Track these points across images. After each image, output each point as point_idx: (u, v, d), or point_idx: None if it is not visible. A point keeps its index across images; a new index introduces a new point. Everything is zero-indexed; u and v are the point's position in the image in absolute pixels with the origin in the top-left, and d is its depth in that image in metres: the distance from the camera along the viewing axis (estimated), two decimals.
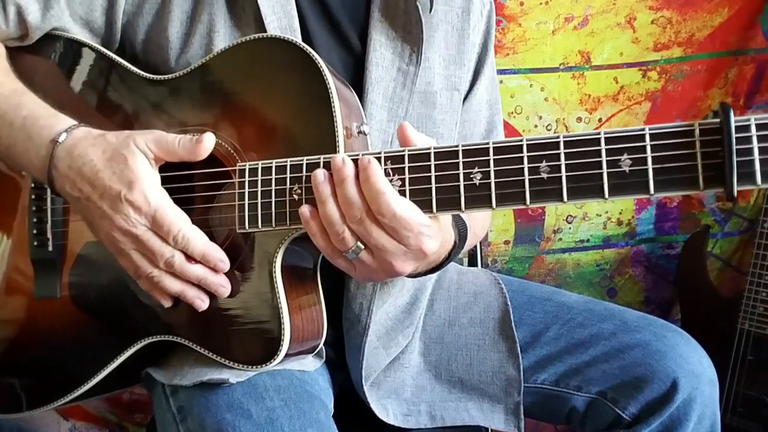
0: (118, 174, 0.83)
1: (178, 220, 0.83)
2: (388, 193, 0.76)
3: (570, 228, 1.91)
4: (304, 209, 0.80)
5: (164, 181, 0.91)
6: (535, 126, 1.82)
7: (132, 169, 0.83)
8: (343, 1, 1.01)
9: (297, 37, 0.95)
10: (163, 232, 0.83)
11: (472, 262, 1.39)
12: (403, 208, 0.76)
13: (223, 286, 0.87)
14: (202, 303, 0.88)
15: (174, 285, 0.86)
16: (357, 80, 0.99)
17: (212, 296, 0.88)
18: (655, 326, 1.07)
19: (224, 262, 0.86)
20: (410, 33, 0.99)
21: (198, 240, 0.84)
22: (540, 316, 1.12)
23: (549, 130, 1.83)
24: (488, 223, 1.30)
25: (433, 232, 0.79)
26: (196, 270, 0.86)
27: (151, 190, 0.83)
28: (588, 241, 1.93)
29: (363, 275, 0.83)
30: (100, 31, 1.00)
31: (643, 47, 1.82)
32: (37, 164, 0.88)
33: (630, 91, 1.85)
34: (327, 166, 0.80)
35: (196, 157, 0.86)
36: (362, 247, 0.79)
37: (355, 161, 0.78)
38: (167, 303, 0.88)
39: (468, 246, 1.05)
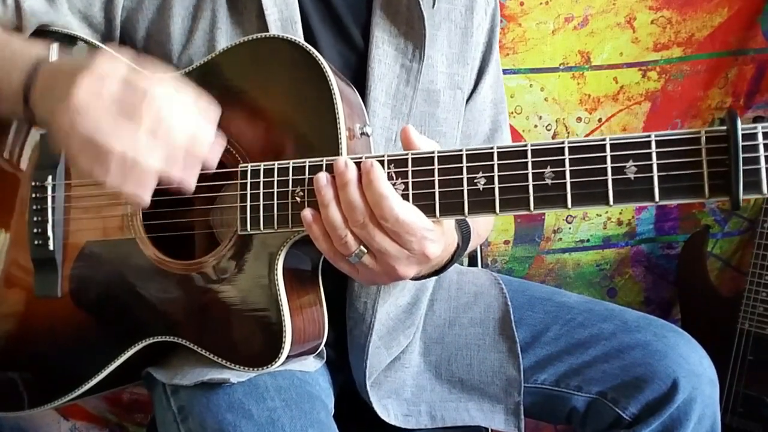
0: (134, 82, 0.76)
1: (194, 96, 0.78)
2: (391, 197, 0.75)
3: (570, 228, 1.91)
4: (307, 213, 0.80)
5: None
6: (535, 126, 1.83)
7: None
8: None
9: (298, 31, 0.95)
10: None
11: (472, 262, 1.39)
12: (406, 212, 0.76)
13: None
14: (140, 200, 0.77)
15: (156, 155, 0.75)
16: (359, 77, 0.98)
17: (213, 292, 0.87)
18: (656, 326, 1.07)
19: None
20: (413, 29, 0.99)
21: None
22: (540, 316, 1.12)
23: (549, 130, 1.83)
24: (491, 224, 1.30)
25: (436, 236, 0.78)
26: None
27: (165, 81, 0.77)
28: (588, 241, 1.93)
29: (366, 279, 0.83)
30: (100, 26, 0.99)
31: (643, 47, 1.82)
32: (15, 79, 0.82)
33: (630, 91, 1.85)
34: (330, 168, 0.80)
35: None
36: (365, 251, 0.79)
37: (358, 164, 0.77)
38: (145, 201, 0.77)
39: (471, 248, 1.05)
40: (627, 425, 1.03)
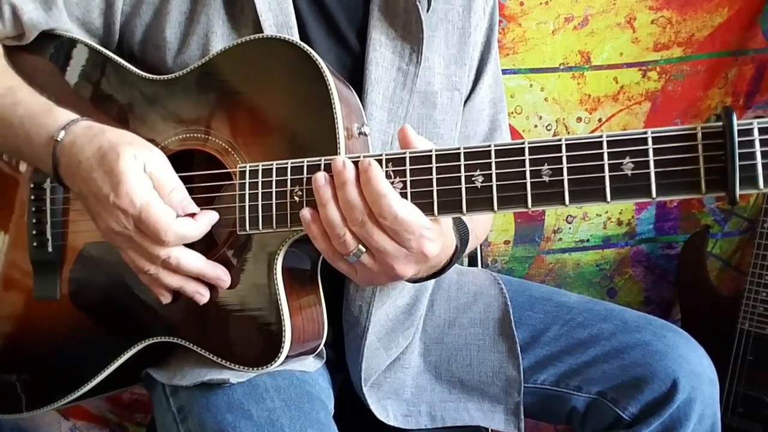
0: (108, 174, 0.81)
1: (163, 222, 0.80)
2: (389, 195, 0.75)
3: (570, 228, 1.91)
4: (305, 212, 0.80)
5: None
6: (535, 126, 1.82)
7: (120, 170, 0.80)
8: (341, 1, 1.00)
9: (294, 36, 0.94)
10: (151, 234, 0.81)
11: (472, 263, 1.38)
12: (405, 210, 0.76)
13: (221, 278, 0.87)
14: (202, 297, 0.87)
15: (172, 280, 0.86)
16: (356, 80, 0.98)
17: (213, 292, 0.88)
18: (655, 326, 1.07)
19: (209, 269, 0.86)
20: (410, 32, 0.99)
21: (188, 252, 0.85)
22: (540, 316, 1.12)
23: (549, 130, 1.83)
24: (489, 225, 1.29)
25: (434, 235, 0.79)
26: (195, 265, 0.85)
27: (137, 192, 0.80)
28: (588, 241, 1.93)
29: (364, 278, 0.83)
30: (98, 32, 0.99)
31: (643, 47, 1.82)
32: (45, 163, 0.87)
33: (630, 91, 1.84)
34: (328, 168, 0.80)
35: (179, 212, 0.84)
36: (363, 250, 0.79)
37: (356, 163, 0.77)
38: (166, 299, 0.88)
39: (469, 249, 1.05)
40: (627, 425, 1.03)
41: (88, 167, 0.82)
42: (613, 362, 1.05)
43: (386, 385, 1.07)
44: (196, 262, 0.85)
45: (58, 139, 0.85)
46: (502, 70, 1.72)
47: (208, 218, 0.86)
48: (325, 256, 0.83)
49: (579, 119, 1.84)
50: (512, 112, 1.79)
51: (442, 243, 0.82)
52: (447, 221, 0.84)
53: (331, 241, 0.80)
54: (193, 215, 0.85)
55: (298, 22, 0.96)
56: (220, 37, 0.95)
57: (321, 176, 0.79)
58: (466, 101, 1.12)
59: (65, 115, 0.88)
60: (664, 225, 1.97)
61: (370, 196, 0.76)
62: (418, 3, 0.97)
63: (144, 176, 0.81)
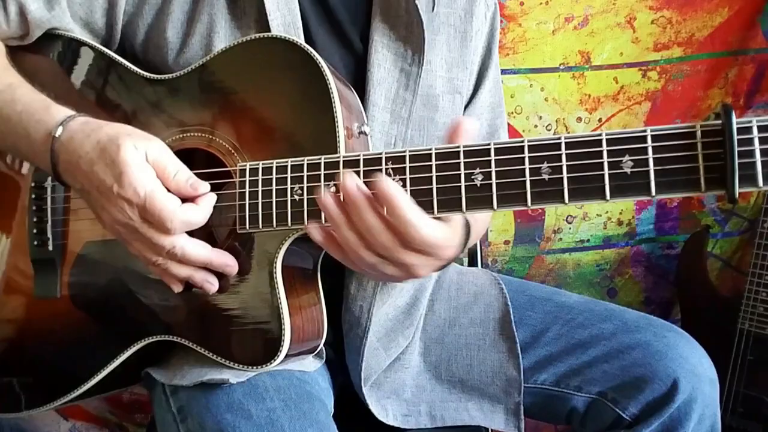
0: (110, 166, 0.79)
1: (168, 210, 0.79)
2: (418, 224, 0.74)
3: (570, 228, 1.91)
4: (315, 233, 0.80)
5: None
6: (535, 126, 1.83)
7: (121, 160, 0.79)
8: (344, 2, 1.00)
9: (299, 36, 0.95)
10: (156, 222, 0.80)
11: (472, 262, 1.38)
12: (433, 233, 0.75)
13: (228, 264, 0.86)
14: (211, 286, 0.86)
15: (181, 270, 0.84)
16: (359, 81, 0.98)
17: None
18: (656, 326, 1.07)
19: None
20: (412, 33, 0.99)
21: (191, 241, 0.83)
22: (540, 316, 1.12)
23: (549, 130, 1.83)
24: (488, 222, 1.30)
25: (455, 242, 0.79)
26: (201, 254, 0.84)
27: (141, 182, 0.79)
28: (588, 241, 1.93)
29: (379, 278, 0.83)
30: (101, 32, 1.00)
31: (643, 47, 1.82)
32: (43, 160, 0.86)
33: (630, 91, 1.85)
34: (328, 166, 0.80)
35: (183, 195, 0.83)
36: (386, 262, 0.78)
37: (367, 183, 0.76)
38: (177, 288, 0.87)
39: (469, 245, 1.05)
40: (627, 425, 1.03)
41: (89, 161, 0.81)
42: (614, 362, 1.04)
43: (386, 385, 1.07)
44: (202, 250, 0.84)
45: (56, 135, 0.84)
46: (503, 70, 1.74)
47: (209, 200, 0.84)
48: (343, 263, 0.82)
49: (579, 119, 1.84)
50: (512, 112, 1.79)
51: (457, 243, 0.82)
52: (458, 221, 0.83)
53: (347, 254, 0.79)
54: (195, 200, 0.84)
55: (302, 23, 0.96)
56: (223, 37, 0.95)
57: (328, 200, 0.77)
58: (466, 105, 1.12)
59: (62, 111, 0.87)
60: (664, 225, 1.97)
61: (398, 225, 0.74)
62: (417, 3, 0.97)
63: (146, 165, 0.80)
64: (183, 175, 0.82)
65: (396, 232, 0.75)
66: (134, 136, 0.82)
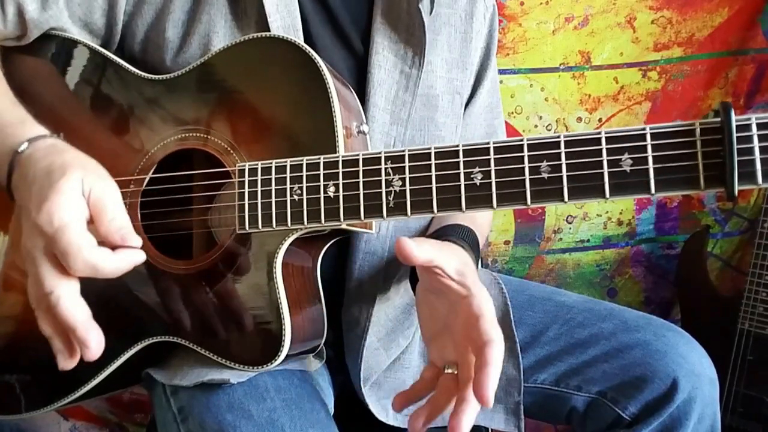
0: (43, 189, 0.73)
1: (75, 245, 0.70)
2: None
3: (570, 228, 1.90)
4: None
5: (163, 182, 0.90)
6: (535, 126, 1.82)
7: (56, 187, 0.72)
8: (345, 3, 1.00)
9: (299, 38, 0.95)
10: (60, 255, 0.70)
11: None
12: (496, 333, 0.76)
13: (88, 344, 0.72)
14: (63, 362, 0.75)
15: (44, 326, 0.74)
16: (359, 82, 0.99)
17: (214, 294, 0.86)
18: (655, 326, 1.07)
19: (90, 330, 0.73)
20: (413, 35, 0.99)
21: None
22: (540, 315, 1.12)
23: (549, 130, 1.83)
24: (490, 224, 1.30)
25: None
26: (72, 314, 0.72)
27: (60, 213, 0.70)
28: (588, 241, 1.93)
29: None
30: (100, 32, 0.99)
31: (643, 47, 1.82)
32: (2, 173, 0.82)
33: (630, 91, 1.84)
34: (327, 166, 0.80)
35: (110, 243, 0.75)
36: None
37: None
38: (63, 361, 0.76)
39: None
40: (627, 425, 1.03)
41: (31, 181, 0.75)
42: (613, 362, 1.05)
43: (386, 385, 1.07)
44: (77, 311, 0.72)
45: (19, 150, 0.79)
46: (503, 70, 1.74)
47: (132, 257, 0.75)
48: None
49: (579, 119, 1.84)
50: (512, 112, 1.79)
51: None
52: (474, 276, 0.83)
53: None
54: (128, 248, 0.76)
55: (303, 24, 0.97)
56: (222, 37, 0.95)
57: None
58: (465, 106, 1.12)
59: (36, 129, 0.82)
60: (664, 225, 1.97)
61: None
62: (420, 7, 0.97)
63: (79, 199, 0.73)
64: (118, 222, 0.74)
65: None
66: (89, 169, 0.76)
